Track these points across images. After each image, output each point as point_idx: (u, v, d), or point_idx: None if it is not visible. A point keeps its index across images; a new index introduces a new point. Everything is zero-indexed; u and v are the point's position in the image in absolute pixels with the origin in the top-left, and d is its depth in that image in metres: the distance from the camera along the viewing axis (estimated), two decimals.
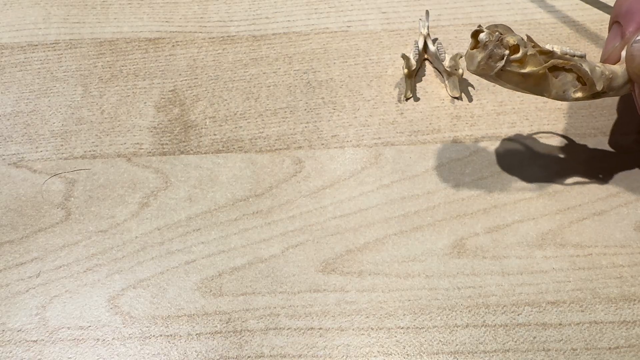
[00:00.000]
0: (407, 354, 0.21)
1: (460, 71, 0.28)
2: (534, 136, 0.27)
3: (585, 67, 0.22)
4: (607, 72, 0.22)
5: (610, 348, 0.21)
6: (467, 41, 0.30)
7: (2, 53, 0.31)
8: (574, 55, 0.22)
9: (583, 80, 0.22)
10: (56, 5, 0.34)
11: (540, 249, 0.23)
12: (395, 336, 0.21)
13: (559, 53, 0.21)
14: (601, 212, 0.24)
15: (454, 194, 0.25)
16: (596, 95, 0.22)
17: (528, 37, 0.21)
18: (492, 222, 0.24)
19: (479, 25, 0.21)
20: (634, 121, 0.27)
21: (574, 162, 0.26)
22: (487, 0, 0.33)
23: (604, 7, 0.31)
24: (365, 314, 0.22)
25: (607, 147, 0.26)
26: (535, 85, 0.21)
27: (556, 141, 0.27)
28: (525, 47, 0.21)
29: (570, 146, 0.26)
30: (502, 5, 0.32)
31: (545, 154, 0.26)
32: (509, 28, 0.21)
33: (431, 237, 0.24)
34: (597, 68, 0.22)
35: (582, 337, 0.21)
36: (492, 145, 0.27)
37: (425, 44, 0.30)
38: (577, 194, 0.25)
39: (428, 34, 0.30)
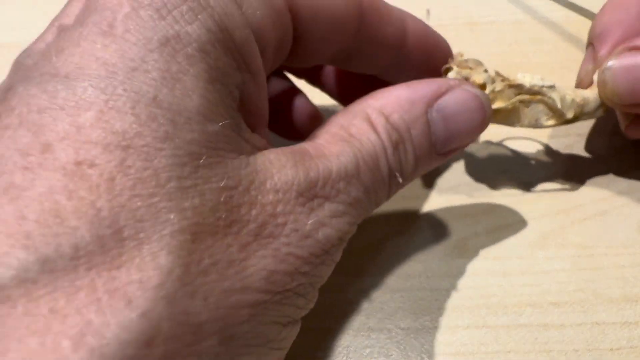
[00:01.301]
0: (408, 356, 0.21)
1: None
2: (535, 136, 0.27)
3: (555, 96, 0.22)
4: (578, 99, 0.22)
5: (612, 349, 0.21)
6: (468, 40, 0.30)
7: None
8: (543, 86, 0.22)
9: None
10: (55, 4, 0.34)
11: (542, 249, 0.23)
12: (396, 337, 0.21)
13: (527, 86, 0.22)
14: (603, 213, 0.24)
15: (454, 194, 0.25)
16: (569, 121, 0.22)
17: (497, 72, 0.22)
18: (493, 222, 0.24)
19: (450, 59, 0.22)
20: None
21: (576, 162, 0.26)
22: (488, 0, 0.33)
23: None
24: (365, 315, 0.22)
25: (609, 147, 0.26)
26: (505, 118, 0.22)
27: (558, 141, 0.26)
28: (493, 83, 0.21)
29: (572, 146, 0.26)
30: (502, 4, 0.32)
31: (547, 154, 0.26)
32: (480, 62, 0.22)
33: (431, 237, 0.24)
34: (567, 96, 0.22)
35: (583, 338, 0.21)
36: (493, 145, 0.26)
37: None
38: (579, 194, 0.25)
39: None
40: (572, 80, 0.27)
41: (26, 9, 0.33)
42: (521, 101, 0.22)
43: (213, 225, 0.13)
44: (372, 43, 0.19)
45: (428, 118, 0.18)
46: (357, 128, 0.17)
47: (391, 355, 0.21)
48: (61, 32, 0.14)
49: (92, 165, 0.12)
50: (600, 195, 0.24)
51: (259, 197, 0.14)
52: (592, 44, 0.23)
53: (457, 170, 0.26)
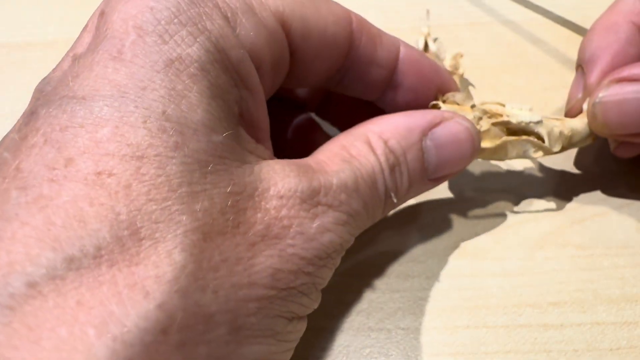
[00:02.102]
0: (408, 355, 0.21)
1: (461, 70, 0.28)
2: None
3: (542, 131, 0.22)
4: (566, 131, 0.22)
5: (611, 349, 0.21)
6: (469, 40, 0.30)
7: None
8: (530, 122, 0.22)
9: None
10: (54, 4, 0.34)
11: (541, 249, 0.23)
12: (396, 337, 0.21)
13: (514, 122, 0.22)
14: (603, 213, 0.24)
15: (454, 194, 0.25)
16: (557, 152, 0.22)
17: (483, 109, 0.22)
18: (492, 222, 0.24)
19: (437, 97, 0.22)
20: None
21: (575, 162, 0.26)
22: (488, 0, 0.33)
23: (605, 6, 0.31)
24: (365, 315, 0.22)
25: (609, 147, 0.26)
26: (492, 154, 0.22)
27: None
28: (480, 120, 0.22)
29: None
30: (502, 4, 0.32)
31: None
32: (469, 96, 0.22)
33: (431, 237, 0.24)
34: (555, 129, 0.22)
35: (583, 338, 0.21)
36: None
37: (426, 43, 0.30)
38: (579, 195, 0.25)
39: (429, 33, 0.30)
40: (571, 80, 0.27)
41: (26, 9, 0.33)
42: (509, 133, 0.22)
43: (222, 226, 0.14)
44: (364, 64, 0.20)
45: (422, 145, 0.19)
46: (358, 149, 0.18)
47: (391, 355, 0.21)
48: (75, 60, 0.16)
49: (110, 174, 0.13)
50: (600, 196, 0.24)
51: (263, 203, 0.16)
52: (581, 67, 0.23)
53: None
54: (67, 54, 0.17)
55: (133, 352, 0.12)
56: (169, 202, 0.14)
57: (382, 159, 0.19)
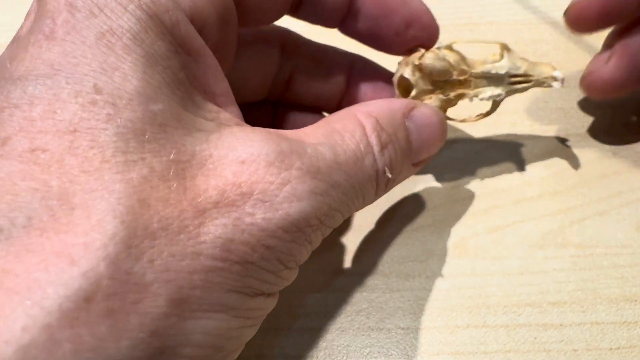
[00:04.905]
0: (408, 355, 0.21)
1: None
2: (535, 136, 0.27)
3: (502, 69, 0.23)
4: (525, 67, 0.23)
5: (611, 349, 0.21)
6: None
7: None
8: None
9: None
10: None
11: (541, 249, 0.23)
12: (396, 337, 0.21)
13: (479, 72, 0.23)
14: (602, 212, 0.24)
15: (454, 194, 0.25)
16: (515, 87, 0.23)
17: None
18: (492, 222, 0.24)
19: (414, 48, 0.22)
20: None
21: (575, 162, 0.26)
22: (488, 0, 0.33)
23: None
24: (365, 314, 0.22)
25: (608, 147, 0.26)
26: (448, 104, 0.23)
27: (557, 141, 0.26)
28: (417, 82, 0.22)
29: (571, 146, 0.26)
30: (502, 4, 0.32)
31: (546, 154, 0.26)
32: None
33: (431, 237, 0.24)
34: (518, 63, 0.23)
35: (583, 338, 0.21)
36: (493, 146, 0.26)
37: None
38: (578, 194, 0.25)
39: None
40: (571, 80, 0.27)
41: (26, 9, 0.33)
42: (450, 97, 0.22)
43: (164, 193, 0.14)
44: None
45: (406, 126, 0.20)
46: (343, 125, 0.18)
47: (391, 355, 0.21)
48: (15, 42, 0.16)
49: (44, 150, 0.14)
50: (599, 195, 0.24)
51: (219, 169, 0.15)
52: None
53: (457, 171, 0.26)
54: (11, 40, 0.17)
55: (51, 318, 0.12)
56: (102, 172, 0.14)
57: (373, 135, 0.18)
